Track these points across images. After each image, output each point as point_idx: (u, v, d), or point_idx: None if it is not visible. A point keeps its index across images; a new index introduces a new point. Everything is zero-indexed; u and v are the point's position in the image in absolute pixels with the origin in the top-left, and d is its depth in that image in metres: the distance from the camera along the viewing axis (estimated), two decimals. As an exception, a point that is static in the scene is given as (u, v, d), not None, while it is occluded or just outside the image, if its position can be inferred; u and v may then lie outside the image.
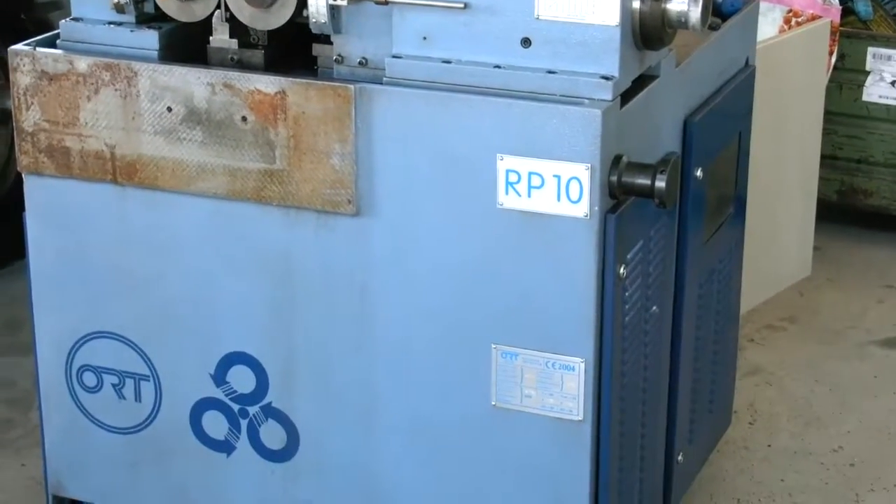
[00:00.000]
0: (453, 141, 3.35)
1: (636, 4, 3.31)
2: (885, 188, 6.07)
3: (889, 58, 5.96)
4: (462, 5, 3.32)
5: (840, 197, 6.07)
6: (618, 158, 3.32)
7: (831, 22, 5.72)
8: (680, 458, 4.06)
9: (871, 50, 5.96)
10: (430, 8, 3.35)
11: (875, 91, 5.99)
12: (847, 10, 6.11)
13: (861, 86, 5.96)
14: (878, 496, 4.53)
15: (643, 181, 3.34)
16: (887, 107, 5.99)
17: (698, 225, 3.89)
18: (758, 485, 4.56)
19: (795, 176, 5.60)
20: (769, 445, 4.77)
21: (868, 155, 6.02)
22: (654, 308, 3.68)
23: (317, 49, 3.57)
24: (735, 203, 4.24)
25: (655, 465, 3.91)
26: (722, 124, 3.99)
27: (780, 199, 5.36)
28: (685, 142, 3.77)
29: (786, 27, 5.50)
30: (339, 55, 3.51)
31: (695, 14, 3.36)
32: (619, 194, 3.35)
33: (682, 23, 3.38)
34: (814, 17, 5.61)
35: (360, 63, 3.49)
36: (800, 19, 5.57)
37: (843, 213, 6.14)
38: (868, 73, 5.96)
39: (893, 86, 5.97)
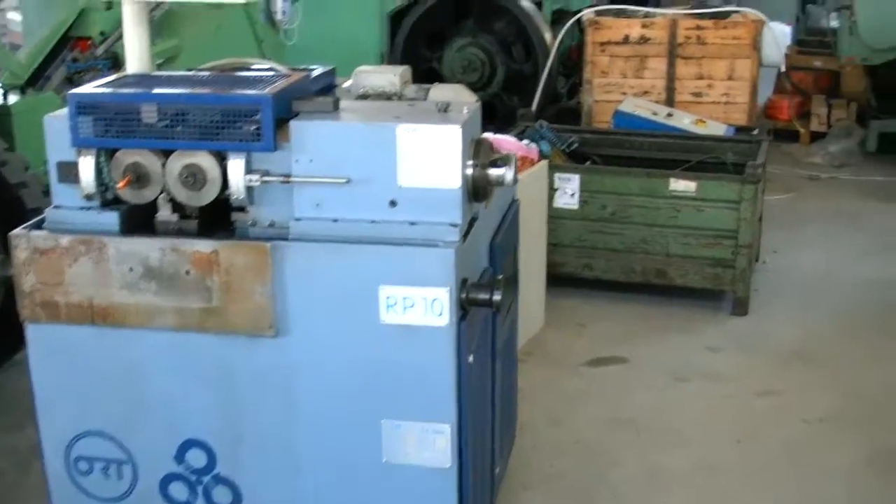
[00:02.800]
0: (345, 278, 2.76)
1: (469, 171, 2.68)
2: (571, 261, 5.55)
3: (568, 179, 5.44)
4: (345, 180, 2.65)
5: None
6: (465, 281, 2.70)
7: (533, 158, 5.16)
8: (497, 470, 3.43)
9: (556, 174, 5.41)
10: (321, 184, 2.67)
11: (561, 200, 5.46)
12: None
13: (552, 197, 5.40)
14: (617, 472, 3.98)
15: (484, 296, 2.73)
16: (569, 210, 5.45)
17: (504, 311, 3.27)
18: (536, 472, 3.96)
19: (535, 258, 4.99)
20: (534, 446, 4.15)
21: (560, 240, 5.46)
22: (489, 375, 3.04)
23: (235, 216, 2.89)
24: (515, 288, 3.62)
25: (487, 479, 3.25)
26: (508, 240, 3.39)
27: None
28: (492, 258, 3.15)
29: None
30: (254, 220, 2.84)
31: (509, 176, 2.75)
32: (466, 306, 2.71)
33: (500, 182, 2.76)
34: (524, 158, 5.04)
35: (269, 225, 2.84)
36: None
37: (548, 278, 5.49)
38: (556, 189, 5.41)
39: (572, 196, 5.44)
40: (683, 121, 6.50)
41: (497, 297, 2.74)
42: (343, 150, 2.69)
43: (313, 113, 2.77)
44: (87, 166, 2.78)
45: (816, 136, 8.41)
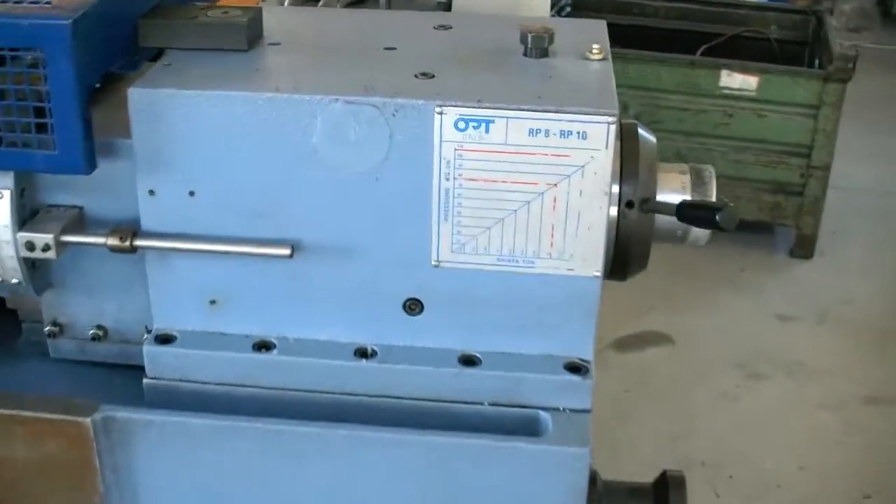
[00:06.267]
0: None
1: (613, 212, 0.94)
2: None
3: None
4: (287, 252, 0.89)
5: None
6: (594, 477, 1.02)
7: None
8: None
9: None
10: (222, 255, 0.91)
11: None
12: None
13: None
14: None
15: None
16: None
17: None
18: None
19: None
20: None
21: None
22: None
23: (10, 302, 1.10)
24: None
25: None
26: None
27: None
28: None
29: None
30: (56, 323, 1.04)
31: (703, 235, 1.02)
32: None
33: (680, 240, 1.03)
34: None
35: (93, 337, 1.03)
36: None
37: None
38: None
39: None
40: (701, -22, 4.77)
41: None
42: (278, 164, 0.95)
43: (191, 57, 0.99)
44: None
45: (822, -9, 6.79)
